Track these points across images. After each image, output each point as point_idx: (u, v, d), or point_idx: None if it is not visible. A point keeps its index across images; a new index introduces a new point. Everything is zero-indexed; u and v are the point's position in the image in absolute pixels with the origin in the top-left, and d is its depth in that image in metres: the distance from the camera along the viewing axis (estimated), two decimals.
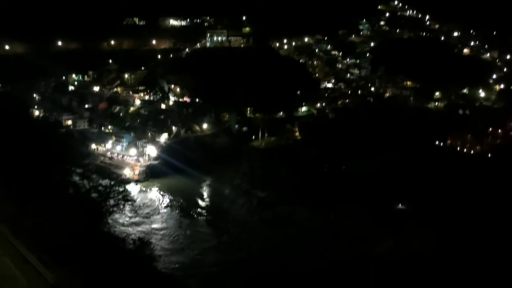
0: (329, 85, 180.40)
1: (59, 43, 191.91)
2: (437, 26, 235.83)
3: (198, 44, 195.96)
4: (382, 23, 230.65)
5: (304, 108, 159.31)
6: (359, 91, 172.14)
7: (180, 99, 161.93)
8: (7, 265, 19.91)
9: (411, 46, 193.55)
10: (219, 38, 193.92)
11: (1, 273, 19.42)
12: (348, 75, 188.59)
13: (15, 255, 20.84)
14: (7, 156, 40.15)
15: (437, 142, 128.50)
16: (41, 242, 23.15)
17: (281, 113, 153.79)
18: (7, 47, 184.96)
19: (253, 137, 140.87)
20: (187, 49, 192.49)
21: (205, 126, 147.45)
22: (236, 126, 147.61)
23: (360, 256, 75.12)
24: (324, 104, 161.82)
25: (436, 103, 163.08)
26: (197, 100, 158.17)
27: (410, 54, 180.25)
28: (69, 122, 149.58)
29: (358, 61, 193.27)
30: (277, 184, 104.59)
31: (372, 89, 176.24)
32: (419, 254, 75.70)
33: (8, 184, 32.97)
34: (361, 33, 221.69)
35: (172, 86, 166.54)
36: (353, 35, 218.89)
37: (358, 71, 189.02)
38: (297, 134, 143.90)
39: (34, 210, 29.82)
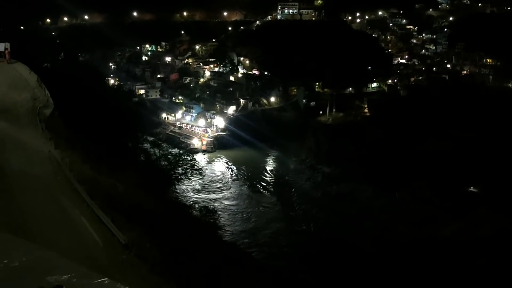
0: (402, 61, 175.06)
1: (135, 13, 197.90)
2: None
3: (268, 16, 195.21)
4: None
5: (374, 84, 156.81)
6: (434, 68, 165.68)
7: (249, 72, 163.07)
8: (84, 225, 20.56)
9: (493, 22, 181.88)
10: (290, 11, 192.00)
11: (78, 232, 20.07)
12: (423, 51, 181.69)
13: (90, 216, 21.32)
14: (84, 122, 41.50)
15: None
16: (114, 204, 23.65)
17: (351, 88, 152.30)
18: (86, 17, 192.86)
19: (321, 112, 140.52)
20: (257, 22, 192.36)
21: (272, 99, 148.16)
22: (304, 100, 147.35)
23: (425, 237, 74.03)
24: (396, 80, 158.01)
25: None
26: (265, 73, 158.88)
27: (491, 29, 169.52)
28: (142, 92, 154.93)
29: (434, 36, 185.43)
30: (343, 161, 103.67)
31: (448, 66, 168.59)
32: (489, 238, 72.87)
33: (84, 149, 33.92)
34: (439, 6, 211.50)
35: (242, 58, 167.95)
36: (431, 9, 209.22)
37: (434, 47, 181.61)
38: (366, 111, 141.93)
39: (108, 174, 30.71)
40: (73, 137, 35.49)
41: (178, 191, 75.19)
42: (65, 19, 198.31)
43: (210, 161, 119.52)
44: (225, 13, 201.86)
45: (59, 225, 20.30)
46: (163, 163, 61.14)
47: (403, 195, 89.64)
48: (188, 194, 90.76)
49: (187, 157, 69.01)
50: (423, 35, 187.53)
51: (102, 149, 37.36)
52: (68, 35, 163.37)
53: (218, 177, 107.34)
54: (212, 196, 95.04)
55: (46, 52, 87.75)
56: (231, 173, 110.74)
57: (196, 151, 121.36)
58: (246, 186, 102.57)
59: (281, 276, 51.07)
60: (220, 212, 77.76)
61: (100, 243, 19.67)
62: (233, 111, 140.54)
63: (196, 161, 77.34)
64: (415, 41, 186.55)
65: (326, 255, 71.66)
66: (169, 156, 64.73)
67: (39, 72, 49.28)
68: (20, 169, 25.06)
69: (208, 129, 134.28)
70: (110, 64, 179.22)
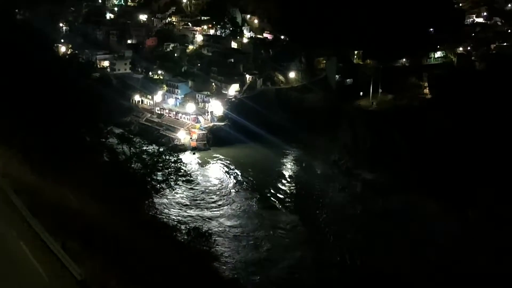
0: (479, 20, 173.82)
1: None
2: None
3: None
4: None
5: (438, 54, 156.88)
6: None
7: (259, 36, 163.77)
8: (22, 252, 20.96)
9: None
10: None
11: (14, 262, 20.40)
12: (510, 5, 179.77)
13: (32, 240, 21.82)
14: (24, 107, 42.39)
15: None
16: (66, 224, 24.59)
17: (404, 60, 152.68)
18: None
19: (361, 93, 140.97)
20: None
21: (291, 75, 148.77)
22: (337, 77, 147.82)
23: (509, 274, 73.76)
24: (469, 48, 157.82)
25: None
26: (282, 37, 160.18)
27: None
28: (105, 64, 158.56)
29: None
30: (393, 163, 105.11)
31: None
32: None
33: (23, 145, 34.95)
34: None
35: (248, 17, 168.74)
36: None
37: None
38: (426, 91, 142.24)
39: (57, 181, 31.82)
40: (7, 128, 36.11)
41: (158, 205, 77.13)
42: None
43: (203, 164, 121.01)
44: None
45: None
46: (135, 165, 62.21)
47: (478, 212, 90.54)
48: (172, 210, 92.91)
49: (170, 158, 68.49)
50: None
51: (48, 145, 38.38)
52: None
53: (215, 187, 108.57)
54: (206, 213, 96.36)
55: None
56: (233, 181, 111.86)
57: (183, 148, 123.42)
58: (254, 199, 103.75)
59: None
60: (217, 236, 79.95)
61: (45, 278, 19.73)
62: (236, 92, 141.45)
63: (183, 163, 76.21)
64: None
65: None
66: (144, 156, 64.98)
67: None
68: None
69: (200, 118, 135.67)
70: (60, 24, 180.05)
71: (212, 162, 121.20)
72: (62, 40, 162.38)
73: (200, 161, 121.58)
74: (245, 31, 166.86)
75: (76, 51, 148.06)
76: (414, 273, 76.73)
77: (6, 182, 25.70)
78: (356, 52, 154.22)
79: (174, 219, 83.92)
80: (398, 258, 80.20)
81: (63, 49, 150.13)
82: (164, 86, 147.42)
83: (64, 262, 20.30)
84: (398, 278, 75.69)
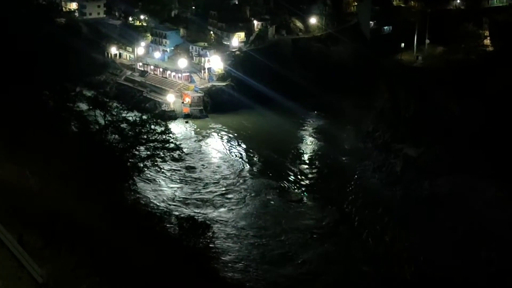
0: None
1: None
2: None
3: None
4: None
5: None
6: None
7: None
8: None
9: None
10: None
11: None
12: None
13: None
14: None
15: None
16: (23, 213, 25.32)
17: (458, 1, 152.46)
18: None
19: (402, 45, 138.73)
20: None
21: (313, 21, 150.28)
22: (371, 23, 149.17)
23: None
24: None
25: None
26: None
27: None
28: (73, 6, 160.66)
29: None
30: (443, 136, 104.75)
31: None
32: None
33: None
34: None
35: None
36: None
37: None
38: (487, 42, 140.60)
39: (12, 157, 32.42)
40: None
41: (140, 189, 78.55)
42: None
43: (198, 136, 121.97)
44: None
45: None
46: (111, 137, 63.77)
47: None
48: (159, 194, 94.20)
49: (156, 128, 69.87)
50: None
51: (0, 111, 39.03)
52: None
53: (212, 164, 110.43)
54: (202, 197, 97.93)
55: None
56: (239, 160, 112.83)
57: (172, 116, 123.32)
58: (264, 182, 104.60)
59: None
60: (217, 229, 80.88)
61: None
62: (241, 43, 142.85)
63: (173, 134, 76.24)
64: None
65: None
66: (122, 126, 66.13)
67: None
68: None
69: (195, 76, 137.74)
70: None
71: (210, 133, 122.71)
72: None
73: (195, 133, 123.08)
74: None
75: None
76: (468, 276, 76.53)
77: None
78: None
79: (161, 206, 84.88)
80: (448, 257, 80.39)
81: None
82: (149, 35, 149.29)
83: (21, 261, 20.49)
84: (448, 283, 76.24)
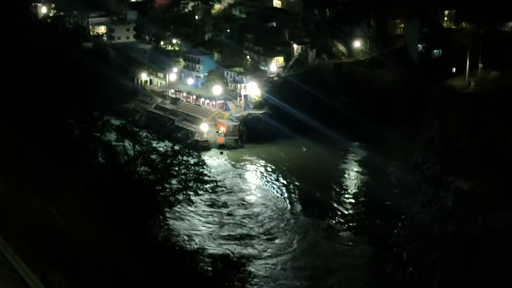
0: None
1: None
2: None
3: None
4: None
5: None
6: None
7: None
8: None
9: None
10: None
11: None
12: None
13: (3, 270, 18.16)
14: None
15: None
16: (48, 249, 22.20)
17: None
18: None
19: (453, 70, 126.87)
20: None
21: (356, 45, 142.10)
22: (420, 46, 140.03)
23: None
24: None
25: None
26: None
27: None
28: (101, 30, 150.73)
29: None
30: (497, 168, 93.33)
31: None
32: None
33: None
34: None
35: None
36: None
37: None
38: None
39: (36, 191, 29.34)
40: None
41: (172, 226, 74.14)
42: None
43: (234, 169, 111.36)
44: None
45: None
46: (141, 169, 57.77)
47: None
48: (192, 233, 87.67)
49: (189, 159, 62.57)
50: None
51: (24, 142, 35.41)
52: None
53: (251, 202, 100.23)
54: (238, 235, 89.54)
55: None
56: (278, 195, 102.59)
57: (206, 146, 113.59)
58: (305, 219, 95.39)
59: None
60: (254, 268, 72.82)
61: None
62: (279, 68, 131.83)
63: (207, 166, 68.72)
64: None
65: None
66: (153, 157, 59.66)
67: None
68: None
69: (230, 104, 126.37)
70: None
71: (246, 166, 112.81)
72: None
73: (230, 165, 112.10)
74: None
75: (61, 13, 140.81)
76: None
77: None
78: (446, 12, 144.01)
79: (194, 244, 78.91)
80: None
81: (43, 10, 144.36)
82: (181, 60, 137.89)
83: None
84: None
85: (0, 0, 67.79)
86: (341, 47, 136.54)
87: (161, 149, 63.36)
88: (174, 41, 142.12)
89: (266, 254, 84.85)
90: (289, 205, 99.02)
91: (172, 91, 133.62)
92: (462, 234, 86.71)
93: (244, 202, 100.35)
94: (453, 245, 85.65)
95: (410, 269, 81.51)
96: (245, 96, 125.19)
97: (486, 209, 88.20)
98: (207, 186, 68.14)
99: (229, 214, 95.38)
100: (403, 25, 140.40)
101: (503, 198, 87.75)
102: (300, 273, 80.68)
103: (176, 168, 60.91)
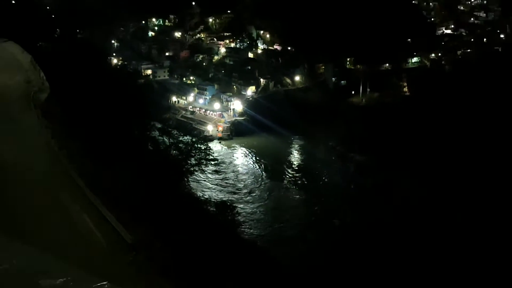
0: (447, 32, 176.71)
1: None
2: None
3: None
4: None
5: (415, 59, 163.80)
6: (485, 40, 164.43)
7: (270, 48, 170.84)
8: (85, 223, 20.80)
9: None
10: None
11: (78, 231, 20.21)
12: (472, 19, 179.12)
13: (93, 213, 21.47)
14: (85, 107, 42.54)
15: None
16: (120, 200, 24.20)
17: (387, 64, 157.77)
18: None
19: (353, 92, 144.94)
20: None
21: (297, 79, 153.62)
22: (333, 79, 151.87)
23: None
24: (440, 54, 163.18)
25: None
26: (289, 48, 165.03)
27: None
28: (149, 72, 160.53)
29: (485, 1, 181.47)
30: (378, 148, 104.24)
31: (502, 36, 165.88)
32: None
33: (85, 138, 34.92)
34: None
35: (261, 32, 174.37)
36: None
37: (484, 15, 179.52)
38: (405, 89, 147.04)
39: (112, 166, 31.48)
40: (72, 125, 36.43)
41: (192, 185, 76.41)
42: None
43: (227, 151, 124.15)
44: None
45: (57, 223, 20.41)
46: (173, 152, 62.15)
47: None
48: (203, 187, 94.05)
49: (201, 146, 68.39)
50: (472, 0, 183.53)
51: (104, 138, 38.24)
52: (64, 8, 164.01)
53: (237, 168, 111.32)
54: (229, 188, 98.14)
55: (40, 29, 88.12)
56: (251, 163, 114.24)
57: (211, 138, 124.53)
58: (268, 176, 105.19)
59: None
60: (240, 208, 78.78)
61: (104, 243, 19.63)
62: (252, 92, 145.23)
63: (212, 150, 75.83)
64: (462, 7, 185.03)
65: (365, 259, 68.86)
66: (180, 145, 65.26)
67: (33, 52, 50.73)
68: (13, 161, 25.37)
69: (224, 114, 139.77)
70: (112, 41, 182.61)
71: (234, 149, 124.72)
72: (114, 54, 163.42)
73: (225, 149, 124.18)
74: (259, 44, 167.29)
75: (126, 62, 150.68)
76: (399, 239, 73.31)
77: (72, 168, 25.52)
78: (348, 59, 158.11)
79: (205, 195, 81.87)
80: (379, 219, 78.66)
81: (115, 61, 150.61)
82: (195, 89, 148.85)
83: (118, 230, 20.24)
84: (376, 234, 74.47)
85: (88, 54, 71.70)
86: (288, 80, 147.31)
87: (184, 140, 68.86)
88: (191, 77, 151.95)
89: (248, 201, 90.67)
90: (261, 173, 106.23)
91: (191, 107, 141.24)
92: (359, 187, 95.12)
93: (234, 171, 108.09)
94: (354, 193, 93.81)
95: (328, 209, 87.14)
96: (233, 109, 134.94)
97: (372, 172, 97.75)
98: (212, 162, 77.12)
99: (225, 179, 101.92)
100: (323, 67, 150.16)
101: (381, 165, 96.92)
102: (269, 212, 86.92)
103: (194, 152, 64.92)
